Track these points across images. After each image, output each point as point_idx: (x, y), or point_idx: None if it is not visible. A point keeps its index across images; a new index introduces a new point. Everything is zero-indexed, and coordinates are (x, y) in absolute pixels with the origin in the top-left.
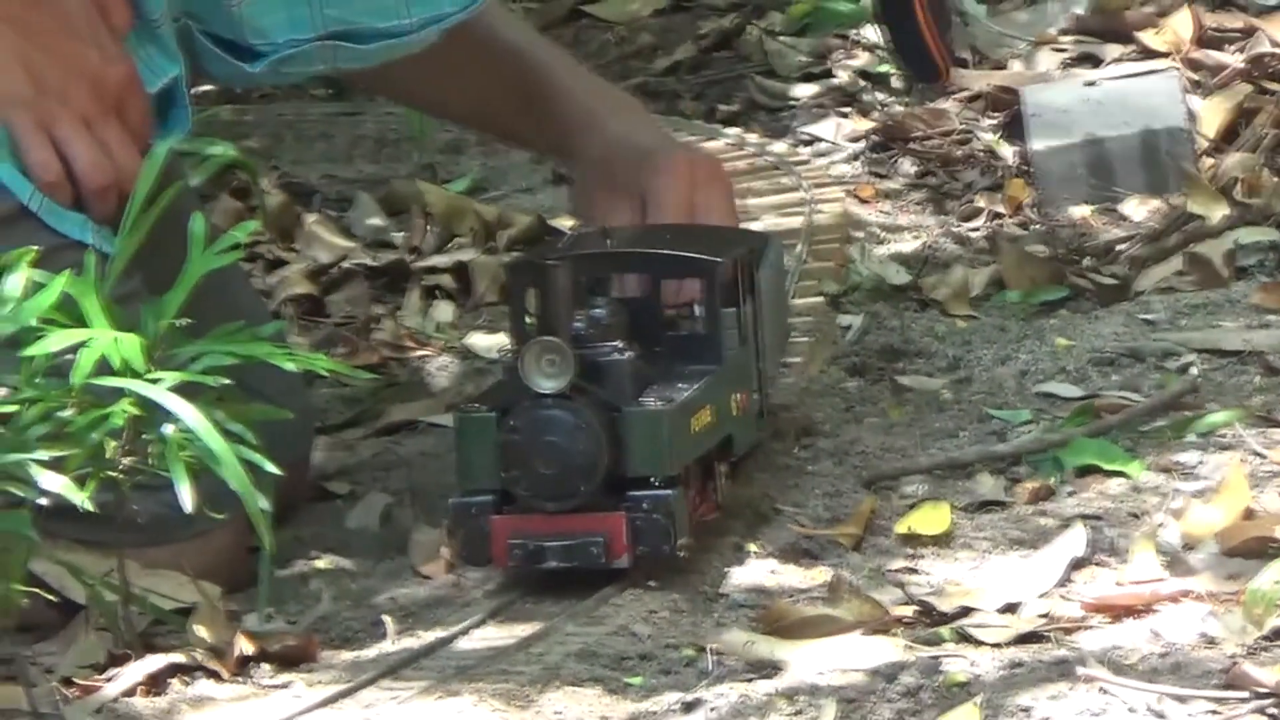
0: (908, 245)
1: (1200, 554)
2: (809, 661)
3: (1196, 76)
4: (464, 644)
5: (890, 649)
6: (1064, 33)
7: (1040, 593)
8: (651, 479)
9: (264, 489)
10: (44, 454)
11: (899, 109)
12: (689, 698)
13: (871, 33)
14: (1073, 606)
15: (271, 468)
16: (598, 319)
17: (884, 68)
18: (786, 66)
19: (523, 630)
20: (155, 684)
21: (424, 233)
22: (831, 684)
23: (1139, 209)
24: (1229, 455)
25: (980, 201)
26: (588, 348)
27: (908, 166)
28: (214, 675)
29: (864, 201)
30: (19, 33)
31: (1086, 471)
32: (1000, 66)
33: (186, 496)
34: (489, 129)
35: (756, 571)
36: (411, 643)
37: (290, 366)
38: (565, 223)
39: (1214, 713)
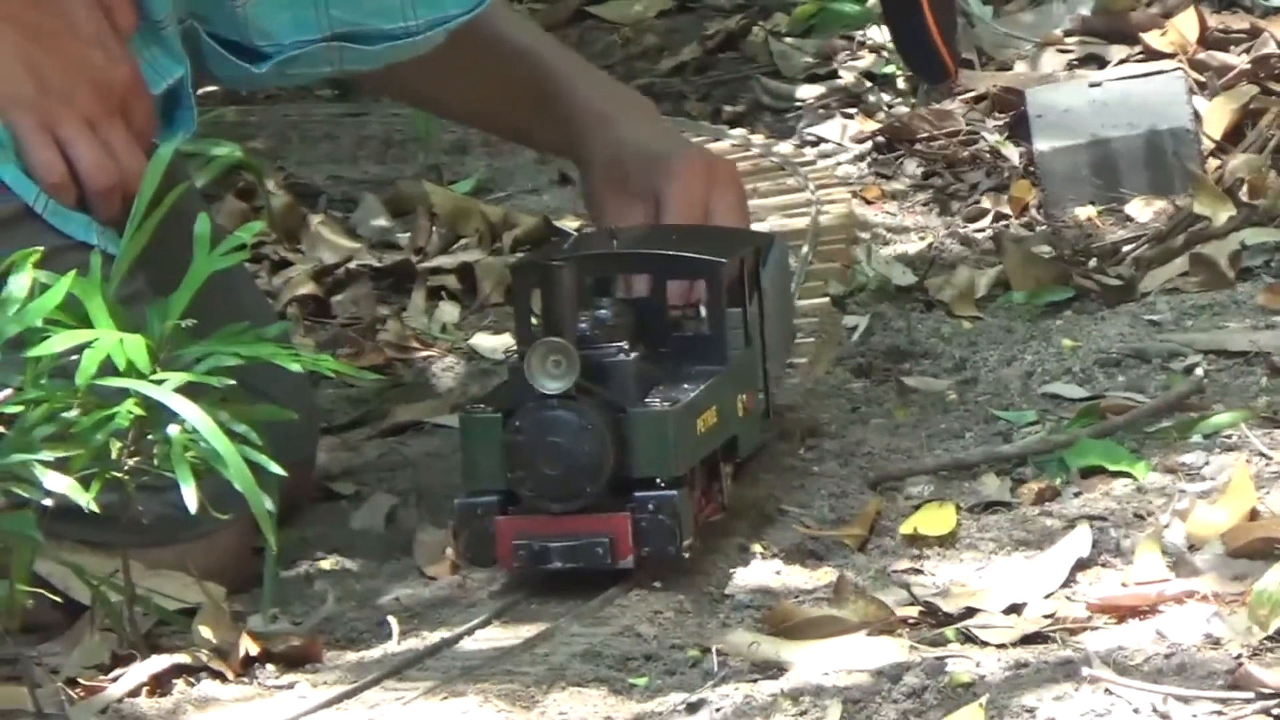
0: (913, 246)
1: (1205, 555)
2: (814, 662)
3: (1202, 77)
4: (469, 645)
5: (895, 650)
6: (1069, 34)
7: (1045, 593)
8: (656, 480)
9: (269, 490)
10: (49, 455)
11: (904, 110)
12: (694, 698)
13: (877, 34)
14: (1077, 607)
15: (276, 468)
16: (603, 320)
17: (889, 69)
18: (792, 67)
19: (527, 631)
20: (160, 685)
21: (429, 233)
22: (836, 685)
23: (1144, 210)
24: (1234, 456)
25: (985, 202)
26: (593, 348)
27: (913, 167)
28: (218, 676)
29: (869, 202)
30: (22, 33)
31: (1091, 472)
32: (1005, 67)
33: (191, 497)
34: (496, 129)
35: (761, 572)
36: (416, 643)
37: (295, 367)
38: (571, 223)
39: (1219, 714)
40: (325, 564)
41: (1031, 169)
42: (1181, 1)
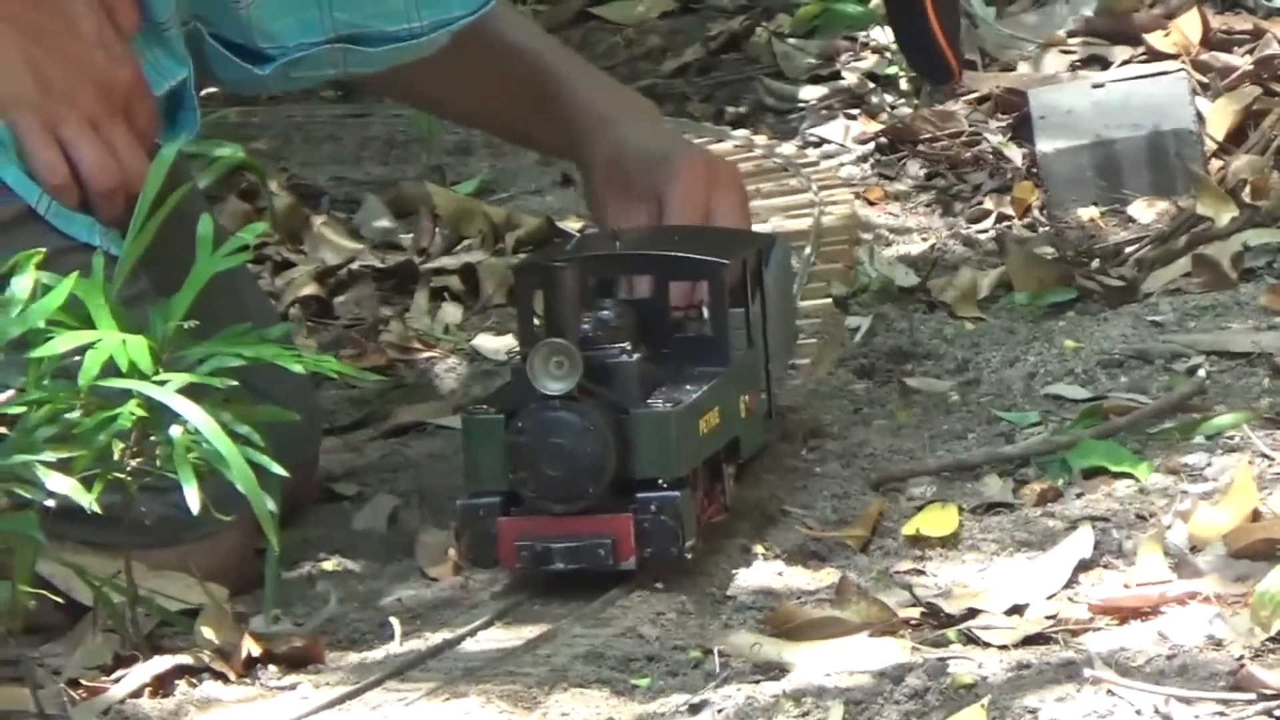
0: (916, 247)
1: (1207, 556)
2: (816, 663)
3: (1205, 78)
4: (471, 645)
5: (897, 651)
6: (1072, 35)
7: (1047, 594)
8: (659, 481)
9: (271, 491)
10: (51, 456)
11: (907, 111)
12: (696, 699)
13: (880, 35)
14: (1079, 608)
15: (279, 469)
16: (605, 321)
17: (892, 70)
18: (794, 68)
19: (529, 632)
20: (162, 685)
21: (432, 234)
22: (838, 686)
23: (1147, 211)
24: (1236, 457)
25: (988, 203)
26: (595, 349)
27: (916, 168)
28: (221, 677)
29: (872, 203)
30: (24, 34)
31: (1094, 473)
32: (1008, 68)
33: (193, 498)
34: (499, 131)
35: (763, 573)
36: (418, 644)
37: (298, 368)
38: (573, 225)
39: (1221, 715)
40: (327, 565)
41: (1034, 170)
42: (1184, 2)
